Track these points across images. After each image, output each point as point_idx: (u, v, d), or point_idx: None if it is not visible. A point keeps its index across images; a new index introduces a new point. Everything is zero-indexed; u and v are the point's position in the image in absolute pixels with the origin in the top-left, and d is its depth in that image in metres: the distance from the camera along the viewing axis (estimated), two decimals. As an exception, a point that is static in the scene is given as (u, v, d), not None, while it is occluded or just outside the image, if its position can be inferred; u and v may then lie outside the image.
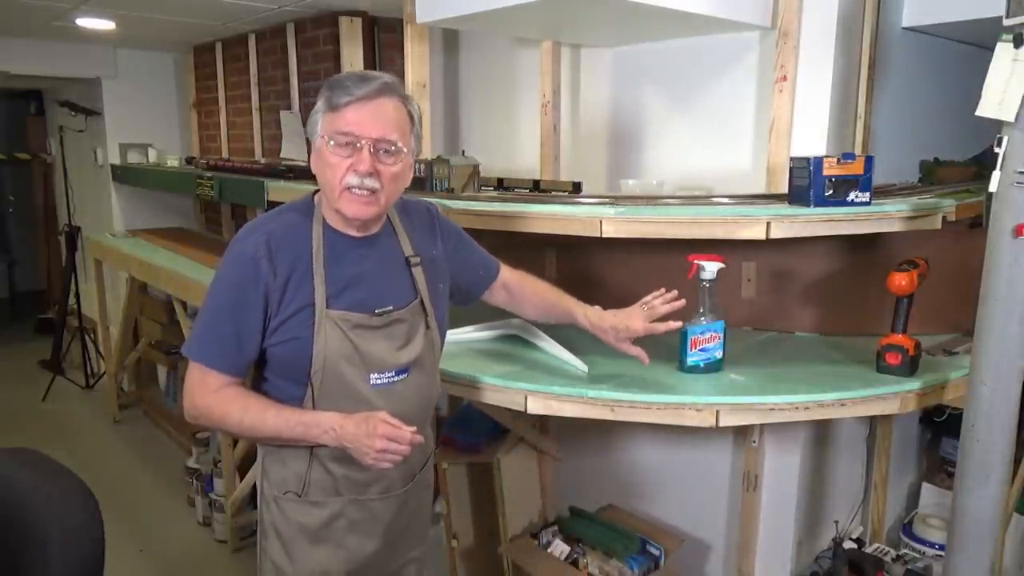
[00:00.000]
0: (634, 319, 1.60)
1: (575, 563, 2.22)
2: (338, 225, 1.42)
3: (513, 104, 2.89)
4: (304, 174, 2.88)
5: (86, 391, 5.09)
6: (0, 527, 1.27)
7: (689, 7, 1.87)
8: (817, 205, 1.61)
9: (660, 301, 1.60)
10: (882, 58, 2.13)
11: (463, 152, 2.78)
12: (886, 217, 1.64)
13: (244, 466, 3.09)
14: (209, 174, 3.56)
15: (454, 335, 1.94)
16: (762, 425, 2.12)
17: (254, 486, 2.83)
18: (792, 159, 1.68)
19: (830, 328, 2.02)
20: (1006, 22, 1.35)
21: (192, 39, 4.39)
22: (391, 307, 1.44)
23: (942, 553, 1.84)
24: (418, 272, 1.50)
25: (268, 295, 1.36)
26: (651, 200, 1.88)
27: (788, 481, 2.20)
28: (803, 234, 1.62)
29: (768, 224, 1.58)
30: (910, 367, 1.65)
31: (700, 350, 1.70)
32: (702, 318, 1.69)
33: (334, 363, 1.38)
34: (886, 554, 2.24)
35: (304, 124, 1.49)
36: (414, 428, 1.34)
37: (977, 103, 1.36)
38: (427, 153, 2.60)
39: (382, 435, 1.31)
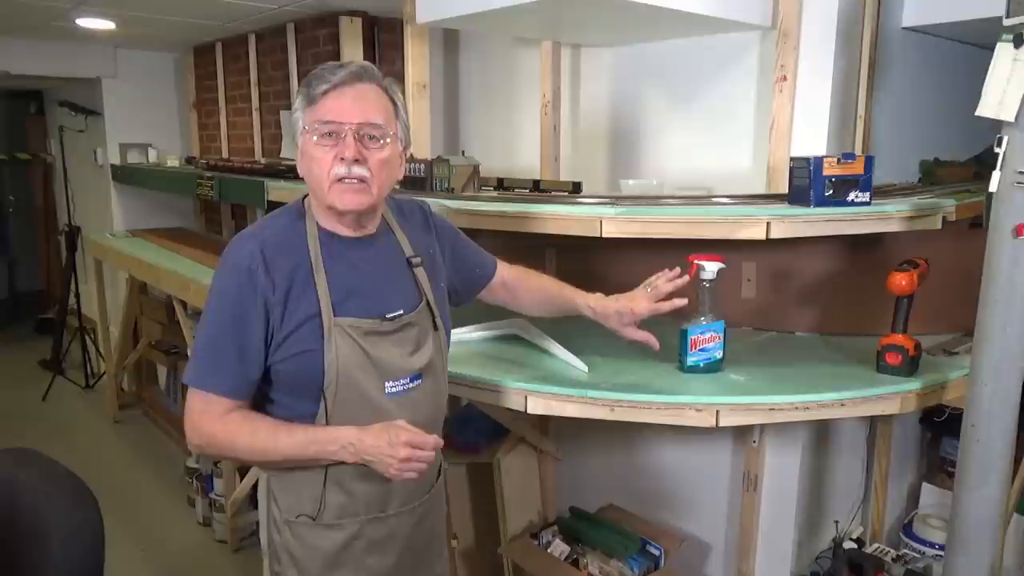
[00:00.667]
0: (638, 301, 1.55)
1: (575, 563, 2.22)
2: (333, 226, 1.36)
3: (513, 104, 2.89)
4: (304, 174, 2.88)
5: (86, 391, 5.10)
6: (0, 527, 1.27)
7: (689, 7, 1.87)
8: (817, 205, 1.61)
9: (663, 280, 1.56)
10: (882, 58, 2.13)
11: (463, 152, 2.79)
12: (886, 217, 1.64)
13: (244, 466, 3.09)
14: (209, 174, 3.56)
15: (455, 335, 1.92)
16: (762, 425, 2.12)
17: (254, 486, 2.83)
18: (792, 159, 1.68)
19: (830, 328, 2.02)
20: (1006, 22, 1.35)
21: (192, 39, 4.39)
22: (401, 311, 1.38)
23: (942, 553, 1.84)
24: (420, 272, 1.45)
25: (269, 308, 1.28)
26: (651, 200, 1.88)
27: (788, 481, 2.20)
28: (803, 234, 1.61)
29: (768, 224, 1.58)
30: (910, 367, 1.65)
31: (700, 350, 1.70)
32: (702, 318, 1.69)
33: (348, 374, 1.30)
34: (886, 554, 2.24)
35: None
36: (435, 437, 1.31)
37: (977, 103, 1.36)
38: (427, 153, 2.60)
39: (405, 443, 1.26)
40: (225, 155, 4.38)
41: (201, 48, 4.53)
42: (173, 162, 4.58)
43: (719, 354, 1.72)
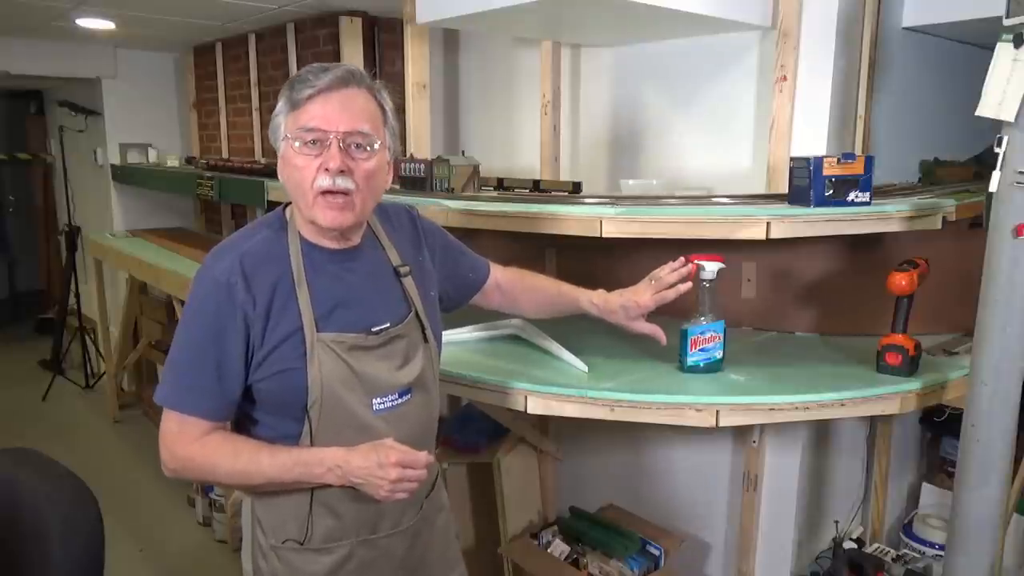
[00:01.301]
0: (642, 294, 1.53)
1: (575, 563, 2.22)
2: (315, 237, 1.29)
3: (513, 104, 2.89)
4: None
5: (86, 391, 5.10)
6: (0, 527, 1.27)
7: (689, 7, 1.87)
8: (817, 205, 1.60)
9: (667, 271, 1.54)
10: (882, 58, 2.13)
11: (463, 152, 2.79)
12: (886, 217, 1.63)
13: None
14: (209, 174, 3.56)
15: (454, 335, 1.94)
16: (762, 425, 2.12)
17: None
18: (792, 159, 1.68)
19: (830, 328, 2.02)
20: (1006, 22, 1.35)
21: (192, 39, 4.39)
22: (387, 324, 1.31)
23: (942, 553, 1.84)
24: (408, 282, 1.38)
25: (249, 325, 1.21)
26: (651, 200, 1.88)
27: (788, 481, 2.20)
28: (803, 234, 1.61)
29: (768, 224, 1.57)
30: (910, 367, 1.65)
31: (700, 350, 1.69)
32: (702, 318, 1.69)
33: (332, 391, 1.24)
34: (886, 554, 2.24)
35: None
36: (425, 453, 1.25)
37: (977, 103, 1.36)
38: (427, 153, 2.60)
39: (395, 463, 1.20)
40: (225, 155, 4.38)
41: (201, 48, 4.53)
42: (173, 162, 4.59)
43: (719, 354, 1.72)
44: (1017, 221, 1.35)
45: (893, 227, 1.65)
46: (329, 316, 1.26)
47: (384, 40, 3.38)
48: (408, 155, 2.38)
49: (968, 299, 1.49)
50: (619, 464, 2.51)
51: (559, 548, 2.27)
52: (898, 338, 1.66)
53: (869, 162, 1.62)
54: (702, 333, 1.69)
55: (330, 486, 1.26)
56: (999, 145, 1.36)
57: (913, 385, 1.63)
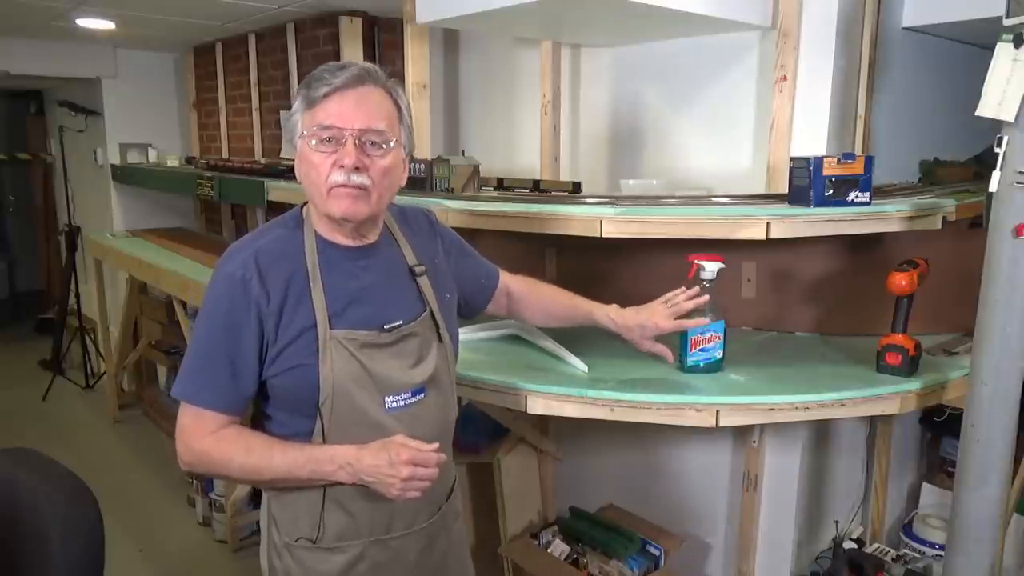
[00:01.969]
0: (659, 316, 1.55)
1: (575, 563, 2.22)
2: (332, 235, 1.30)
3: (513, 104, 2.89)
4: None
5: (86, 391, 5.10)
6: (0, 527, 1.27)
7: (689, 7, 1.87)
8: (817, 205, 1.61)
9: (684, 297, 1.56)
10: (882, 58, 2.13)
11: (463, 152, 2.79)
12: (886, 217, 1.64)
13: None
14: (209, 174, 3.56)
15: (454, 335, 1.94)
16: (762, 425, 2.12)
17: (255, 490, 2.83)
18: (792, 159, 1.68)
19: (830, 328, 2.02)
20: (1006, 22, 1.35)
21: (192, 39, 4.39)
22: (400, 321, 1.31)
23: (942, 553, 1.84)
24: (424, 282, 1.38)
25: (263, 320, 1.22)
26: (651, 200, 1.88)
27: (788, 481, 2.20)
28: (803, 234, 1.61)
29: (768, 224, 1.58)
30: (910, 367, 1.65)
31: (700, 350, 1.69)
32: (702, 318, 1.69)
33: (344, 389, 1.24)
34: (886, 554, 2.24)
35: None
36: (436, 445, 1.24)
37: (977, 103, 1.36)
38: (427, 153, 2.60)
39: (406, 461, 1.19)
40: (225, 155, 4.38)
41: (201, 48, 4.53)
42: (173, 162, 4.59)
43: (719, 354, 1.72)
44: (1017, 221, 1.35)
45: (893, 227, 1.65)
46: (343, 313, 1.26)
47: (384, 40, 3.38)
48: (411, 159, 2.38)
49: (968, 299, 1.49)
50: (619, 464, 2.51)
51: (559, 548, 2.27)
52: (898, 338, 1.66)
53: (869, 162, 1.62)
54: (702, 333, 1.69)
55: (342, 484, 1.26)
56: (999, 145, 1.36)
57: (913, 385, 1.63)
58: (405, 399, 1.30)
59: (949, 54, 2.37)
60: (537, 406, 1.66)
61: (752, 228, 1.59)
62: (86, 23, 3.71)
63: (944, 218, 1.68)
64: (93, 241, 4.55)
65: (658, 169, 2.44)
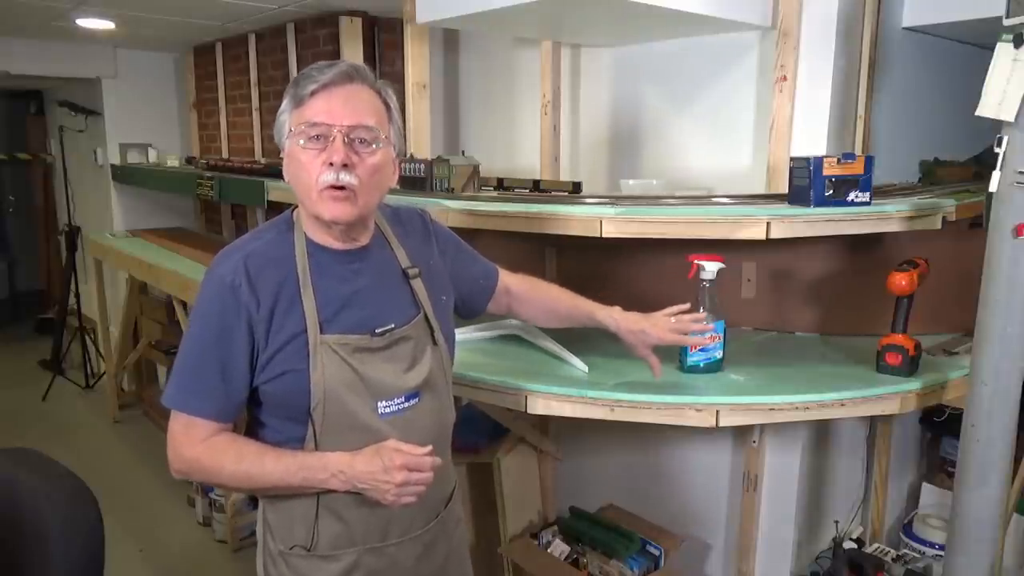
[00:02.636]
0: (662, 328, 1.54)
1: (575, 563, 2.22)
2: (322, 238, 1.27)
3: (513, 104, 2.89)
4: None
5: (86, 391, 5.10)
6: (0, 527, 1.27)
7: (689, 7, 1.87)
8: (817, 205, 1.60)
9: (689, 318, 1.56)
10: (882, 58, 2.13)
11: (463, 152, 2.79)
12: (886, 217, 1.63)
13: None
14: (209, 174, 3.56)
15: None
16: (762, 425, 2.12)
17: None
18: (792, 159, 1.68)
19: (830, 328, 2.02)
20: (1006, 22, 1.35)
21: (192, 39, 4.39)
22: (392, 325, 1.29)
23: (942, 553, 1.84)
24: (418, 284, 1.35)
25: (253, 325, 1.20)
26: (651, 200, 1.88)
27: (788, 481, 2.20)
28: (803, 234, 1.61)
29: (768, 224, 1.57)
30: (910, 367, 1.65)
31: (700, 350, 1.69)
32: (696, 313, 1.69)
33: (336, 394, 1.22)
34: (886, 554, 2.24)
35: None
36: (429, 448, 1.22)
37: (977, 103, 1.36)
38: (427, 153, 2.60)
39: (400, 466, 1.18)
40: (225, 155, 4.38)
41: (201, 48, 4.53)
42: (173, 162, 4.59)
43: (719, 354, 1.72)
44: (1017, 221, 1.35)
45: (893, 227, 1.65)
46: (334, 318, 1.24)
47: (384, 40, 3.38)
48: (408, 155, 2.38)
49: (968, 299, 1.49)
50: (619, 464, 2.51)
51: (559, 548, 2.27)
52: (898, 338, 1.66)
53: (869, 162, 1.62)
54: (702, 333, 1.69)
55: (336, 491, 1.24)
56: (999, 145, 1.36)
57: (913, 385, 1.63)
58: (398, 404, 1.28)
59: (949, 54, 2.37)
60: (537, 406, 1.66)
61: (752, 228, 1.59)
62: (86, 23, 3.71)
63: (944, 218, 1.68)
64: (93, 241, 4.55)
65: (658, 169, 2.44)
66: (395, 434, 1.24)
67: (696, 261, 1.66)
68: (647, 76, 2.47)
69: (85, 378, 5.12)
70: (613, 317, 1.57)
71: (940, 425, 2.49)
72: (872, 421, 2.40)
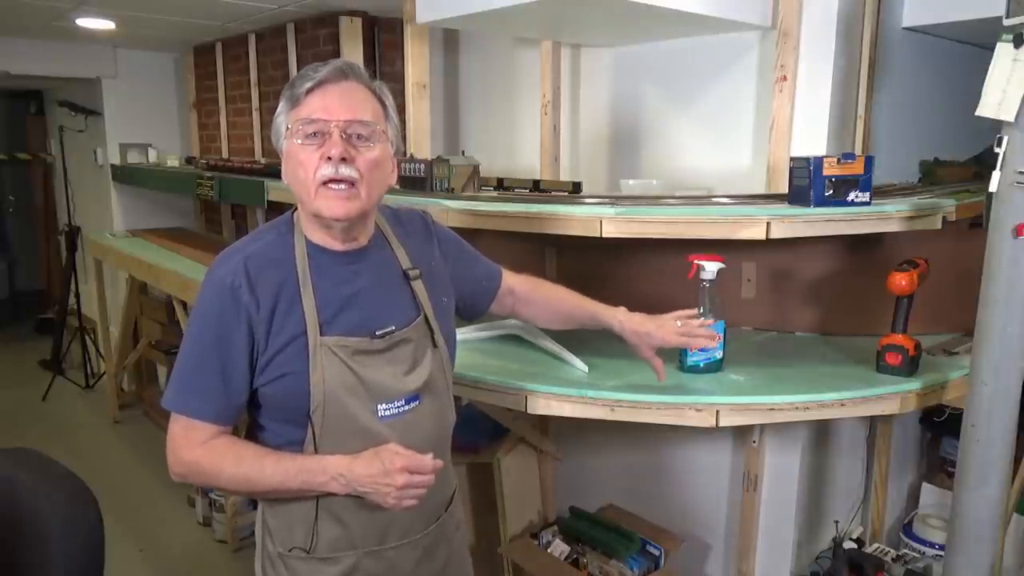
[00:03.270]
0: (668, 331, 1.52)
1: (575, 563, 2.22)
2: (322, 239, 1.27)
3: (513, 104, 2.89)
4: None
5: (86, 391, 5.10)
6: (0, 527, 1.27)
7: (689, 7, 1.87)
8: (817, 205, 1.60)
9: (697, 324, 1.56)
10: (882, 58, 2.13)
11: (463, 152, 2.79)
12: (886, 217, 1.63)
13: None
14: (209, 174, 3.56)
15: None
16: (762, 425, 2.12)
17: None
18: (792, 159, 1.68)
19: (830, 328, 2.02)
20: (1006, 22, 1.35)
21: (192, 39, 4.39)
22: (392, 327, 1.28)
23: (942, 553, 1.84)
24: (418, 286, 1.34)
25: (253, 327, 1.20)
26: (651, 200, 1.88)
27: (788, 481, 2.20)
28: (803, 234, 1.61)
29: (768, 224, 1.57)
30: (910, 367, 1.65)
31: (700, 350, 1.69)
32: (702, 318, 1.69)
33: (335, 396, 1.21)
34: (886, 554, 2.24)
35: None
36: (430, 453, 1.22)
37: (977, 103, 1.36)
38: (427, 153, 2.60)
39: (400, 469, 1.17)
40: (225, 155, 4.38)
41: (201, 48, 4.53)
42: (173, 162, 4.59)
43: (719, 354, 1.72)
44: (1017, 221, 1.35)
45: (893, 227, 1.65)
46: (334, 319, 1.24)
47: (384, 40, 3.38)
48: (408, 155, 2.38)
49: (968, 299, 1.49)
50: (619, 464, 2.51)
51: (559, 548, 2.27)
52: (898, 338, 1.66)
53: (869, 162, 1.62)
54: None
55: (335, 494, 1.24)
56: (999, 145, 1.36)
57: (913, 385, 1.63)
58: (399, 407, 1.27)
59: (949, 54, 2.37)
60: (537, 406, 1.66)
61: (752, 228, 1.59)
62: (86, 23, 3.71)
63: (944, 218, 1.68)
64: (93, 241, 4.55)
65: (658, 169, 2.44)
66: (395, 437, 1.24)
67: (696, 261, 1.66)
68: (647, 76, 2.47)
69: (85, 378, 5.13)
70: (618, 318, 1.56)
71: (940, 425, 2.49)
72: (872, 421, 2.40)
